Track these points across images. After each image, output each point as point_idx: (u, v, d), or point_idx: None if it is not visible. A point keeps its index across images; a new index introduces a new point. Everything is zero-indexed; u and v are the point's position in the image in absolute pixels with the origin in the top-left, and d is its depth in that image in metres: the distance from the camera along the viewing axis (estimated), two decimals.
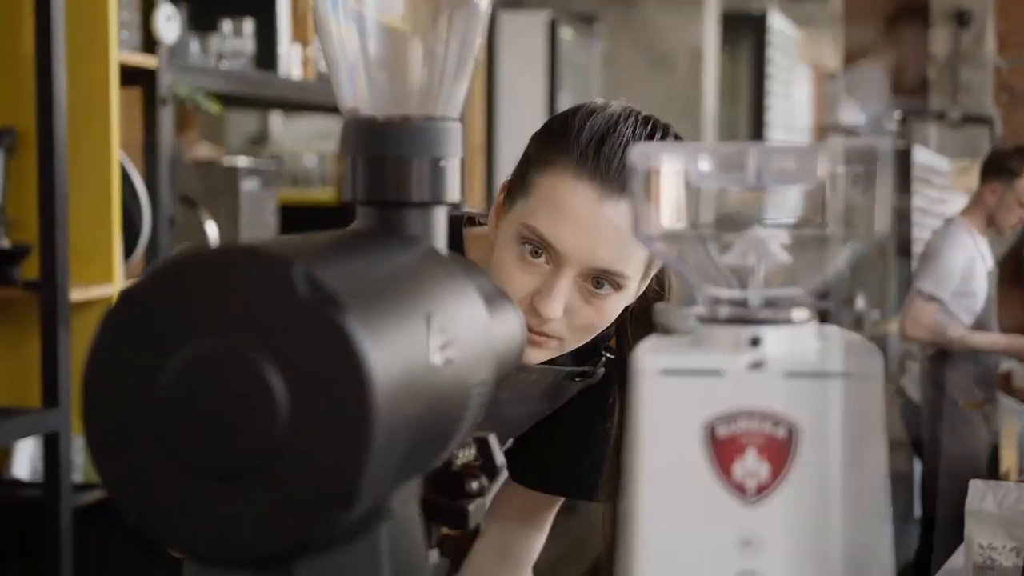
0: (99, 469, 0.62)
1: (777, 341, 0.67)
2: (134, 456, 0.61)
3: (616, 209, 1.26)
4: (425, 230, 0.76)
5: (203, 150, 4.58)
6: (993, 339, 4.77)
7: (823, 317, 0.70)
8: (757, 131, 7.48)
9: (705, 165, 0.69)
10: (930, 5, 7.99)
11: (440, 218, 0.78)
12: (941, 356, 4.63)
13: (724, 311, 0.69)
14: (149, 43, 2.87)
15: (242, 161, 3.58)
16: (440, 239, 0.78)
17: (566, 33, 5.71)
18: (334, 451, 0.59)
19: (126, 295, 0.62)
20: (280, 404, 0.59)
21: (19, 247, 2.51)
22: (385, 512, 0.67)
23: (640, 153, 0.69)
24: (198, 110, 3.25)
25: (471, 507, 0.84)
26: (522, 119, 5.16)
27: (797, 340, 0.68)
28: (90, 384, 0.62)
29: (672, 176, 0.69)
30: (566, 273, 1.27)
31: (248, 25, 3.32)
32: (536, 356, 1.32)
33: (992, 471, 4.64)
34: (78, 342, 2.56)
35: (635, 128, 1.29)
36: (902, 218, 6.91)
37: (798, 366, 0.66)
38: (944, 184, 7.55)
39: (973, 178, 8.24)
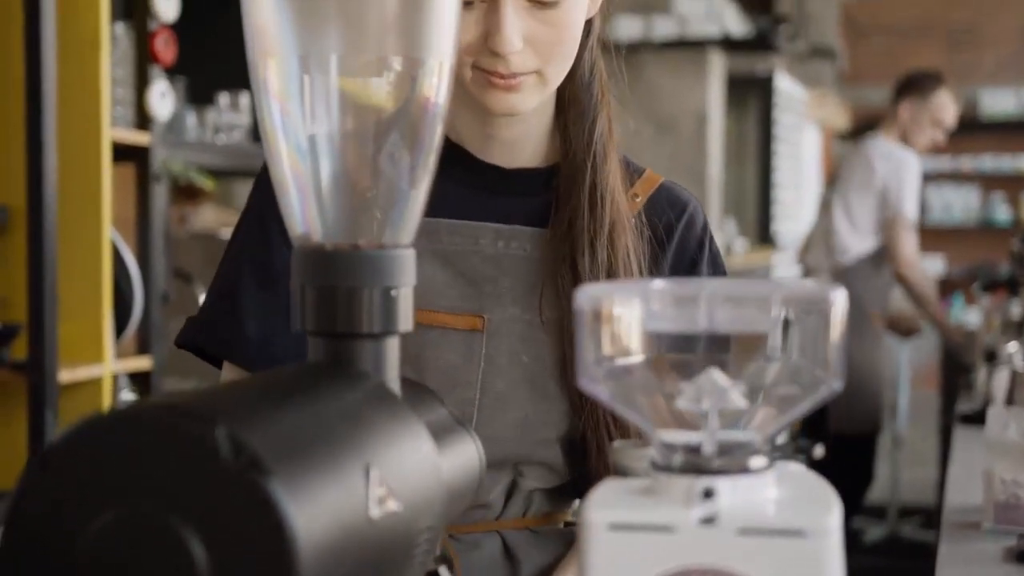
0: None
1: (732, 492, 0.64)
2: None
3: None
4: (376, 363, 0.74)
5: (208, 215, 4.56)
6: (949, 325, 4.90)
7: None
8: (764, 191, 7.44)
9: (656, 305, 0.66)
10: None
11: (392, 350, 0.75)
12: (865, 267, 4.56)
13: (677, 459, 0.66)
14: (144, 119, 2.86)
15: None
16: (392, 371, 0.75)
17: None
18: None
19: (45, 456, 0.59)
20: (201, 572, 0.56)
21: (8, 327, 2.48)
22: None
23: (588, 294, 0.67)
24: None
25: None
26: None
27: (753, 491, 0.65)
28: (6, 549, 0.59)
29: (621, 317, 0.66)
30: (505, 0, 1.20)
31: (245, 98, 3.31)
32: (520, 101, 1.24)
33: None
34: (67, 424, 2.50)
35: None
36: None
37: (753, 522, 0.63)
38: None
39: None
